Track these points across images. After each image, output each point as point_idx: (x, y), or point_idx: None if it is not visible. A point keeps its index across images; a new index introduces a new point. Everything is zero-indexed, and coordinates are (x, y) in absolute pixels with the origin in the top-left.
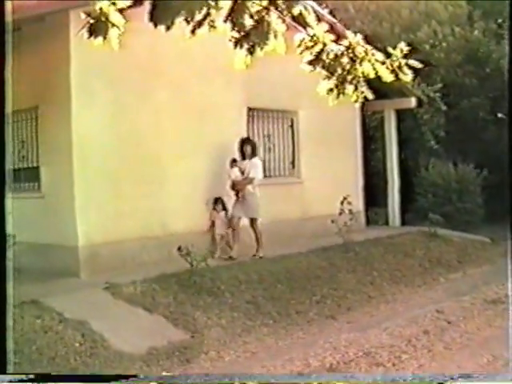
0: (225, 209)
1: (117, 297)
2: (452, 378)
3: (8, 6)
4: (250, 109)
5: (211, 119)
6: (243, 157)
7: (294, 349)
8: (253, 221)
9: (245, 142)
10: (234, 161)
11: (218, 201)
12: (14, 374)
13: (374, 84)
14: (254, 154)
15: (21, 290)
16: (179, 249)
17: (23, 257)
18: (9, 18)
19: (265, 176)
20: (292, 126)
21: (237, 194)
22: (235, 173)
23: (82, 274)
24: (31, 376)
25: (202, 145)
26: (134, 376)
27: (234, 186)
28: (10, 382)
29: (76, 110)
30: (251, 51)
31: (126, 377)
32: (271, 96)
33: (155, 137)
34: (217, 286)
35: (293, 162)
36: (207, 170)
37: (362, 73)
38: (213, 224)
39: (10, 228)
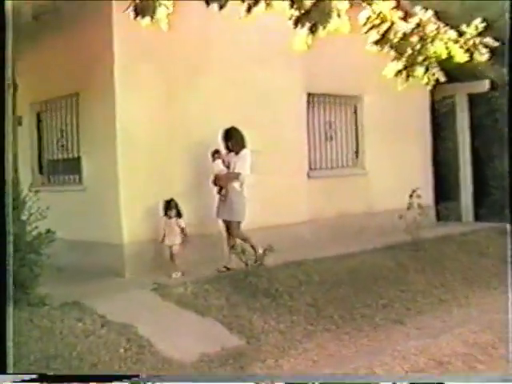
0: (179, 214)
1: (166, 298)
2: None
3: (8, 5)
4: (309, 94)
5: (267, 106)
6: (228, 149)
7: (359, 357)
8: (232, 225)
9: (230, 132)
10: (216, 152)
11: (169, 205)
12: (14, 373)
13: (444, 66)
14: (241, 145)
15: (61, 290)
16: (233, 247)
17: (63, 255)
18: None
19: (326, 167)
20: (356, 112)
21: (219, 192)
22: (218, 166)
23: (127, 273)
24: (31, 376)
25: (256, 135)
26: (136, 376)
27: (216, 182)
28: (10, 381)
29: (120, 96)
30: (313, 30)
31: (127, 377)
32: (333, 80)
33: (206, 125)
34: (274, 287)
35: (356, 152)
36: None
37: (434, 53)
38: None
39: (48, 224)
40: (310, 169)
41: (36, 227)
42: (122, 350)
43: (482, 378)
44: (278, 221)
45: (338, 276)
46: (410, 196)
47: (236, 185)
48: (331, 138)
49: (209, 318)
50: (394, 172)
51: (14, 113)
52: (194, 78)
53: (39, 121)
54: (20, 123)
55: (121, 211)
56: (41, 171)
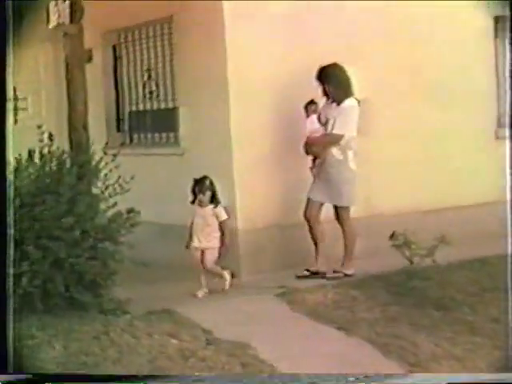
0: (214, 199)
1: (296, 307)
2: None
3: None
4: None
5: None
6: (327, 96)
7: None
8: (339, 211)
9: (329, 70)
10: (311, 103)
11: (201, 185)
12: (14, 373)
13: None
14: (346, 91)
15: (146, 293)
16: (392, 236)
17: (151, 244)
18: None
19: None
20: None
21: (313, 161)
22: (313, 123)
23: (243, 270)
24: (31, 376)
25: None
26: (135, 376)
27: (308, 147)
28: (11, 381)
29: (230, 24)
30: None
31: (127, 377)
32: None
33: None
34: (449, 294)
35: None
36: None
37: None
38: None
39: (130, 200)
40: (499, 126)
41: (114, 205)
42: None
43: (482, 378)
44: (449, 201)
45: None
46: None
47: (336, 152)
48: None
49: (356, 338)
50: None
51: (80, 46)
52: None
53: (116, 57)
54: (90, 59)
55: (234, 184)
56: (119, 127)
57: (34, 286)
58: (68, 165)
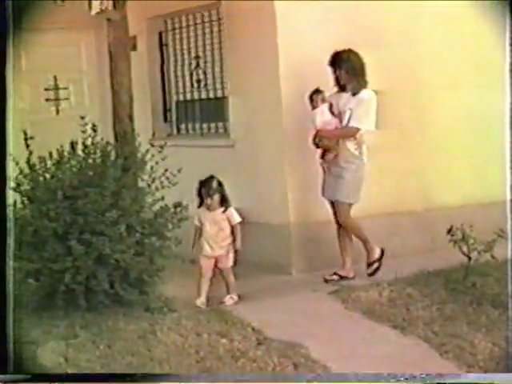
0: (224, 201)
1: (350, 306)
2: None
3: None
4: None
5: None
6: (339, 85)
7: None
8: (343, 209)
9: (343, 56)
10: (317, 92)
11: (208, 187)
12: (14, 373)
13: None
14: (361, 81)
15: (194, 289)
16: (450, 231)
17: None
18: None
19: None
20: None
21: (323, 157)
22: (323, 114)
23: (295, 267)
24: (31, 376)
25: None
26: (134, 375)
27: (319, 140)
28: (11, 381)
29: (281, 5)
30: None
31: (128, 376)
32: None
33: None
34: (507, 291)
35: None
36: None
37: None
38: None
39: (178, 194)
40: None
41: (161, 198)
42: None
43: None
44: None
45: None
46: None
47: (351, 146)
48: None
49: (412, 337)
50: None
51: (125, 33)
52: None
53: (162, 44)
54: (134, 47)
55: (286, 177)
56: (166, 118)
57: (77, 282)
58: (112, 157)
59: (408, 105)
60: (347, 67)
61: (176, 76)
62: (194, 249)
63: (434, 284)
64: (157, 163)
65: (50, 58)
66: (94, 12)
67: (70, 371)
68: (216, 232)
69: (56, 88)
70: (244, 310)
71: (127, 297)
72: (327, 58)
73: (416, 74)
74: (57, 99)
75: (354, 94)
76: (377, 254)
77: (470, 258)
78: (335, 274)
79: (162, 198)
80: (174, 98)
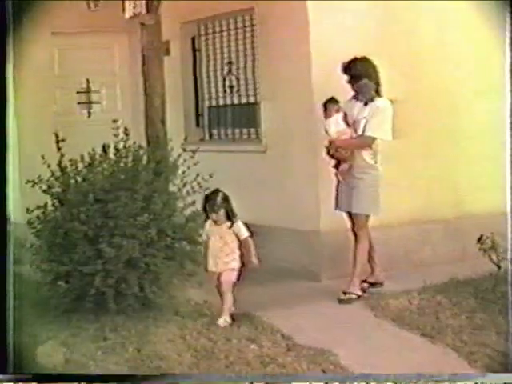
0: (230, 215)
1: (380, 313)
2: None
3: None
4: None
5: None
6: (355, 96)
7: None
8: (360, 220)
9: (356, 64)
10: (331, 101)
11: (213, 201)
12: (14, 373)
13: None
14: (376, 90)
15: None
16: (480, 239)
17: None
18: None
19: None
20: None
21: (336, 166)
22: (338, 124)
23: (324, 274)
24: (31, 376)
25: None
26: (134, 376)
27: (334, 150)
28: (11, 381)
29: (314, 13)
30: None
31: (128, 376)
32: None
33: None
34: None
35: None
36: None
37: None
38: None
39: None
40: None
41: (192, 203)
42: None
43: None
44: None
45: None
46: None
47: (367, 156)
48: None
49: (441, 345)
50: None
51: (158, 37)
52: None
53: (195, 49)
54: (167, 52)
55: (318, 183)
56: (198, 122)
57: (107, 285)
58: (144, 161)
59: (438, 112)
60: (361, 75)
61: (208, 81)
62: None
63: (463, 292)
64: (188, 168)
65: (83, 61)
66: (127, 16)
67: (99, 373)
68: (221, 246)
69: (88, 91)
70: (274, 315)
71: (157, 300)
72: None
73: (446, 80)
74: (89, 102)
75: (367, 103)
76: (381, 277)
77: (499, 267)
78: (344, 293)
79: (193, 203)
80: (207, 103)
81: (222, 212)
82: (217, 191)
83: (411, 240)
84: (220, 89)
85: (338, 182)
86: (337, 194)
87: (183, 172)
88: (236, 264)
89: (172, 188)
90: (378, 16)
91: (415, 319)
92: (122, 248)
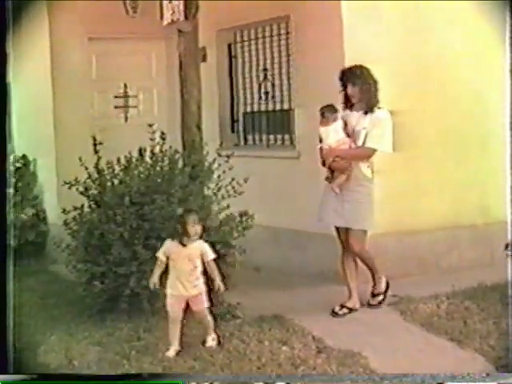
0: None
1: (409, 318)
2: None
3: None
4: None
5: None
6: (351, 106)
7: None
8: (357, 236)
9: (354, 71)
10: (329, 108)
11: (185, 219)
12: (14, 373)
13: None
14: (372, 100)
15: (257, 298)
16: (507, 246)
17: (263, 248)
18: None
19: None
20: None
21: (330, 178)
22: (337, 133)
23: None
24: (31, 376)
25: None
26: (136, 376)
27: (331, 160)
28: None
29: (348, 21)
30: None
31: (129, 376)
32: None
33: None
34: None
35: None
36: None
37: None
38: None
39: (243, 203)
40: None
41: (226, 207)
42: None
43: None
44: None
45: None
46: None
47: (365, 168)
48: None
49: (468, 350)
50: None
51: (195, 44)
52: None
53: (231, 56)
54: (204, 58)
55: None
56: (233, 128)
57: (142, 286)
58: (180, 165)
59: (468, 118)
60: (361, 83)
61: (244, 87)
62: (151, 283)
63: (491, 298)
64: (224, 172)
65: (120, 67)
66: (165, 23)
67: (133, 372)
68: (191, 269)
69: (126, 96)
70: (306, 318)
71: None
72: (394, 68)
73: (474, 85)
74: (126, 106)
75: (366, 113)
76: (383, 286)
77: None
78: (342, 306)
79: (228, 207)
80: (242, 109)
81: (199, 228)
82: (189, 210)
83: (439, 245)
84: (255, 95)
85: (330, 193)
86: (326, 207)
87: (218, 176)
88: (203, 287)
89: (207, 192)
90: (412, 22)
91: (443, 324)
92: (157, 250)
